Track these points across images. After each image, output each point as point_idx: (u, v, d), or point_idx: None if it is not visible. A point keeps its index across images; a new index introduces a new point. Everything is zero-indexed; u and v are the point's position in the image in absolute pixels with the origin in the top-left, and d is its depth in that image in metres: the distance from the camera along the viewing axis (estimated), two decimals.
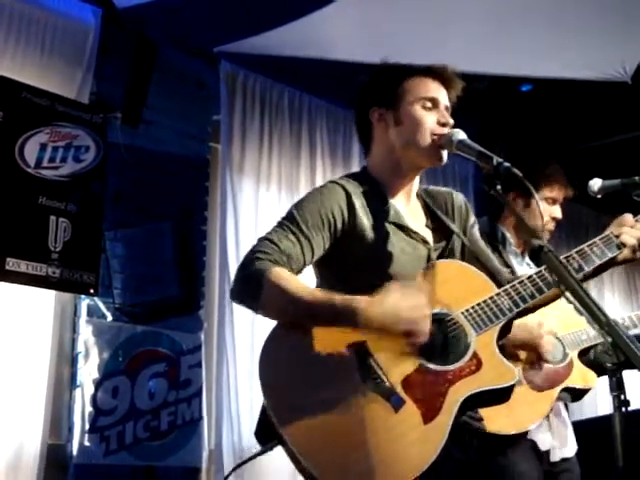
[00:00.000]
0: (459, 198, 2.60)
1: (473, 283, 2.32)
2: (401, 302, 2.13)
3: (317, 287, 2.44)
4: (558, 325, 3.23)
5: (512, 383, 2.20)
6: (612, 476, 1.85)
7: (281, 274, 2.20)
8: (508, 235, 3.41)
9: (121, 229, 4.70)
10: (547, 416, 3.22)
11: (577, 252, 2.32)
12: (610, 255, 2.32)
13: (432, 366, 2.16)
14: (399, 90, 2.42)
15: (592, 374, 3.29)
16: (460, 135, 2.31)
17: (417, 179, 2.50)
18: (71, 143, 4.48)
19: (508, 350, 2.26)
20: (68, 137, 4.47)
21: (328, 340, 2.17)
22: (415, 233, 2.40)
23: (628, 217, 2.37)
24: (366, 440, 2.08)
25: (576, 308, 1.89)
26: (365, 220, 2.34)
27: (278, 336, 2.21)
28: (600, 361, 3.25)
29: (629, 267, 8.26)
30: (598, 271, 2.37)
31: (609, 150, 6.48)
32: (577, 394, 3.33)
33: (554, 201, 3.38)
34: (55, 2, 4.55)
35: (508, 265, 3.26)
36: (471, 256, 2.50)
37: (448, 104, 2.43)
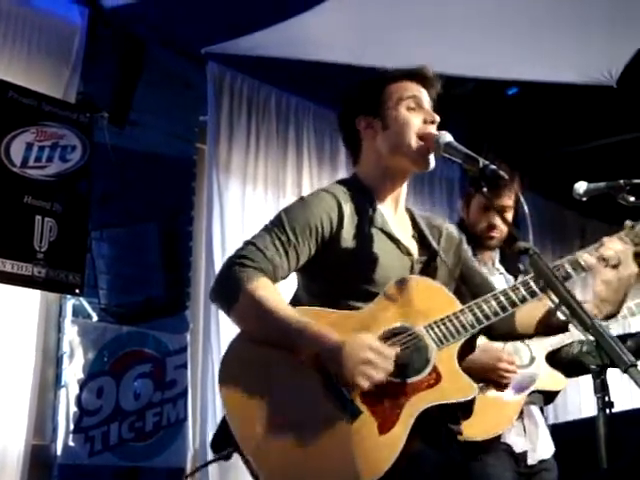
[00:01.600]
0: (450, 226, 2.63)
1: (439, 300, 2.32)
2: (366, 353, 2.12)
3: (298, 291, 2.45)
4: None
5: (471, 397, 2.21)
6: (592, 476, 1.86)
7: (262, 288, 2.21)
8: None
9: (107, 229, 4.69)
10: (522, 420, 3.24)
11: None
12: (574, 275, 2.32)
13: (391, 378, 2.16)
14: (382, 96, 2.45)
15: (560, 376, 3.31)
16: (447, 137, 2.33)
17: (405, 188, 2.52)
18: (57, 143, 4.47)
19: (473, 373, 2.27)
20: (54, 137, 4.46)
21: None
22: (400, 242, 2.41)
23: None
24: (322, 449, 2.09)
25: (561, 310, 1.90)
26: (353, 227, 2.35)
27: (242, 342, 2.23)
28: (581, 362, 3.26)
29: None
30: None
31: (594, 154, 6.50)
32: (547, 396, 3.34)
33: (487, 208, 3.30)
34: (42, 1, 4.53)
35: None
36: (452, 279, 2.51)
37: (430, 103, 2.46)
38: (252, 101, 5.38)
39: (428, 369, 2.20)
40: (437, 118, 2.40)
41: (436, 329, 2.24)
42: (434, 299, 2.32)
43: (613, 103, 5.67)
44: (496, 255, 3.46)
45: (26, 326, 4.23)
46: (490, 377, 3.10)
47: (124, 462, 4.56)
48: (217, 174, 5.09)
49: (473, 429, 2.88)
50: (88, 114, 4.62)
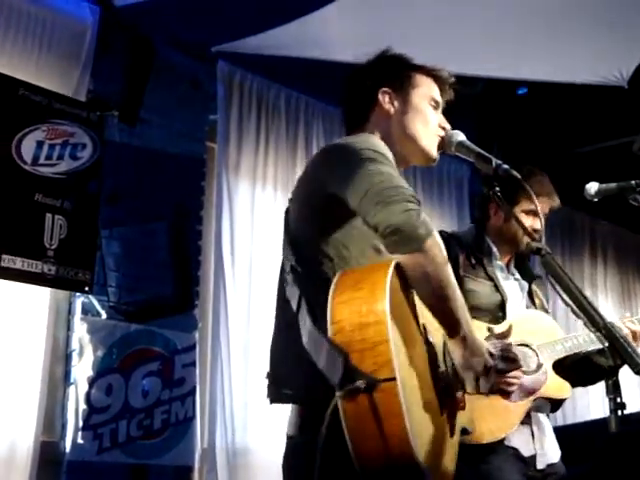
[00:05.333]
0: None
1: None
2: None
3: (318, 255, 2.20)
4: (534, 336, 3.22)
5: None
6: (586, 467, 1.86)
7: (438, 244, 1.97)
8: (494, 249, 3.36)
9: (117, 227, 4.70)
10: (530, 425, 3.22)
11: None
12: None
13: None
14: (413, 80, 2.40)
15: (566, 385, 3.28)
16: (460, 136, 2.32)
17: None
18: (68, 141, 4.47)
19: None
20: (65, 135, 4.47)
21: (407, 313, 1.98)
22: None
23: None
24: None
25: (573, 311, 1.90)
26: None
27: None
28: (595, 363, 3.24)
29: (623, 270, 8.27)
30: None
31: (605, 154, 6.49)
32: (553, 404, 3.32)
33: (535, 213, 3.21)
34: None
35: (492, 279, 3.24)
36: None
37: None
38: (262, 100, 5.38)
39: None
40: (448, 126, 2.39)
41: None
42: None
43: (624, 104, 5.66)
44: (512, 260, 3.43)
45: (35, 323, 4.24)
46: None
47: (132, 459, 4.56)
48: (227, 173, 5.10)
49: (477, 432, 2.88)
50: (98, 112, 4.62)
